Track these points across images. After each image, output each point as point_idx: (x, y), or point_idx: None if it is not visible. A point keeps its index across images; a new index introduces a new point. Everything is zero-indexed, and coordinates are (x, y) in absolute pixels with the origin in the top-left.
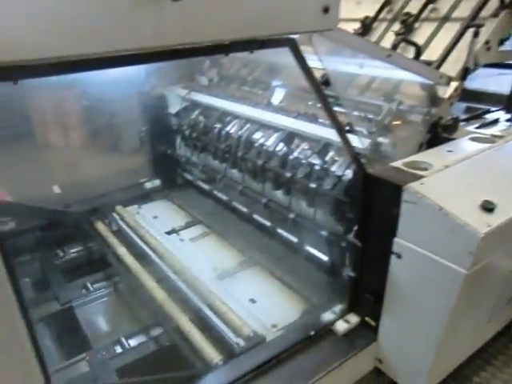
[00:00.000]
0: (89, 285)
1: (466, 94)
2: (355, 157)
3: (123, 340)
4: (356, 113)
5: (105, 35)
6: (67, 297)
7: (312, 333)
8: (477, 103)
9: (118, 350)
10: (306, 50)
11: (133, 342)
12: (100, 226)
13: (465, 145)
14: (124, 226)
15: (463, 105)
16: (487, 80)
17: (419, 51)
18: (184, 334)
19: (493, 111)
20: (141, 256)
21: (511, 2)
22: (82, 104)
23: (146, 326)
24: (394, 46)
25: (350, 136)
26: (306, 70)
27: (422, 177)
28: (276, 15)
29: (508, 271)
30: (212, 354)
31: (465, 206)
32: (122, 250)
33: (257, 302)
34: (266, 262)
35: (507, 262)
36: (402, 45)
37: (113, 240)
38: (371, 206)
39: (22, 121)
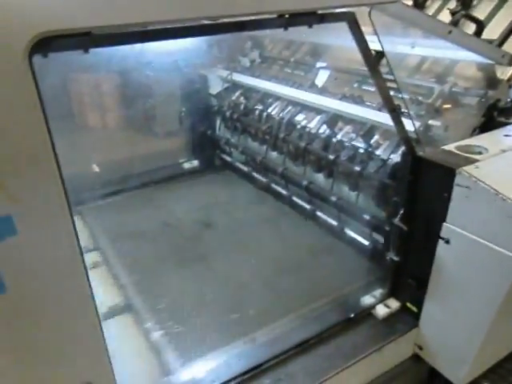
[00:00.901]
0: None
1: None
2: (406, 139)
3: None
4: (407, 95)
5: (176, 3)
6: None
7: (352, 315)
8: None
9: None
10: None
11: None
12: None
13: None
14: None
15: None
16: None
17: (482, 28)
18: None
19: None
20: None
21: None
22: (122, 84)
23: None
24: (455, 23)
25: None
26: (364, 47)
27: (476, 161)
28: None
29: None
30: None
31: None
32: None
33: None
34: None
35: None
36: (461, 22)
37: None
38: (420, 190)
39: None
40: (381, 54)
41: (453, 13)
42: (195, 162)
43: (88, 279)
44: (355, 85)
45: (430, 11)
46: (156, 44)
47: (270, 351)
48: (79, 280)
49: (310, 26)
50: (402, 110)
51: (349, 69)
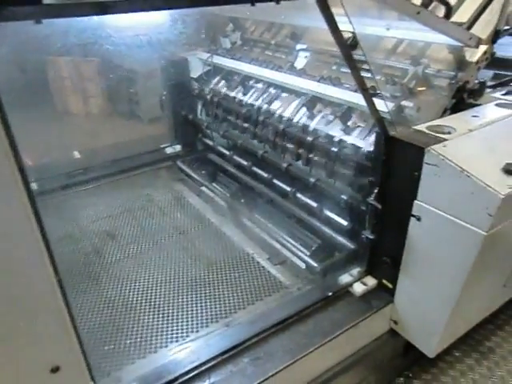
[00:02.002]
0: None
1: (493, 61)
2: (379, 119)
3: None
4: (381, 76)
5: None
6: None
7: (330, 293)
8: (504, 70)
9: None
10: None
11: None
12: None
13: (490, 110)
14: None
15: (491, 72)
16: None
17: (450, 10)
18: None
19: None
20: None
21: None
22: (102, 68)
23: None
24: (425, 4)
25: (374, 99)
26: (334, 28)
27: (444, 140)
28: None
29: None
30: None
31: (487, 168)
32: None
33: None
34: None
35: None
36: (434, 5)
37: None
38: (392, 169)
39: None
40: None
41: None
42: (178, 147)
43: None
44: (334, 67)
45: None
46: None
47: (250, 331)
48: (42, 263)
49: (278, 2)
50: (377, 91)
51: (328, 51)
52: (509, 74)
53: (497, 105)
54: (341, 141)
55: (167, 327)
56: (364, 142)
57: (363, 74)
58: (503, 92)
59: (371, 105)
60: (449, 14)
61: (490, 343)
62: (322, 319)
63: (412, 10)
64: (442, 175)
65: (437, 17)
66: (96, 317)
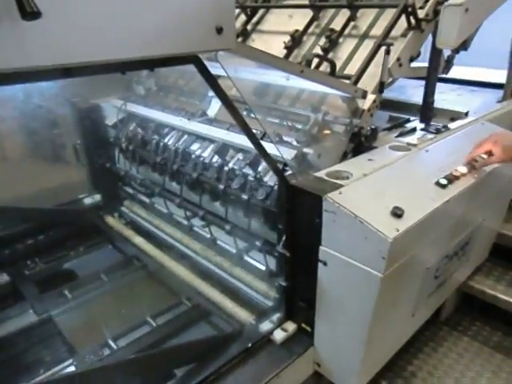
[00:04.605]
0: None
1: (390, 104)
2: (276, 168)
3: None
4: (288, 123)
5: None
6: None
7: (249, 345)
8: (400, 113)
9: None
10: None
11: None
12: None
13: (384, 153)
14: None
15: (387, 114)
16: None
17: (334, 67)
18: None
19: (412, 120)
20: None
21: (417, 24)
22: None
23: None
24: (308, 62)
25: (278, 147)
26: (214, 85)
27: (341, 186)
28: (172, 35)
29: (424, 269)
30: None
31: (377, 213)
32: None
33: None
34: None
35: (422, 261)
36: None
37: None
38: (296, 217)
39: None
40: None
41: (322, 48)
42: (97, 197)
43: None
44: (244, 113)
45: (307, 46)
46: None
47: None
48: None
49: (152, 70)
50: (281, 138)
51: (238, 98)
52: (403, 116)
53: (390, 147)
54: (250, 188)
55: None
56: (273, 189)
57: (272, 119)
58: (397, 134)
59: (264, 154)
60: (333, 69)
61: (412, 367)
62: (243, 373)
63: (296, 68)
64: (339, 221)
65: (321, 74)
66: None
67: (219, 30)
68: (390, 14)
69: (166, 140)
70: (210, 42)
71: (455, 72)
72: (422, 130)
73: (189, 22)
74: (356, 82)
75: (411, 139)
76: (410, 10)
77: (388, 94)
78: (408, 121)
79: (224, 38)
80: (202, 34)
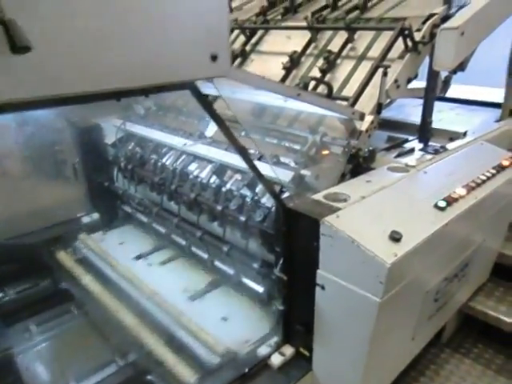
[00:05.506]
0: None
1: (389, 124)
2: (272, 191)
3: None
4: (286, 144)
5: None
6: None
7: (246, 370)
8: (398, 132)
9: None
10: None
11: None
12: (62, 256)
13: (382, 175)
14: (89, 254)
15: (385, 134)
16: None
17: (331, 89)
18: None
19: (410, 140)
20: (109, 283)
21: (414, 47)
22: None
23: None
24: (305, 85)
25: (275, 168)
26: (209, 110)
27: (338, 209)
28: (167, 64)
29: (424, 292)
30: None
31: (375, 237)
32: (88, 279)
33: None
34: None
35: (421, 285)
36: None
37: (77, 270)
38: (293, 240)
39: None
40: None
41: (320, 69)
42: (95, 216)
43: None
44: (243, 133)
45: (305, 67)
46: None
47: None
48: None
49: (147, 95)
50: (279, 160)
51: (235, 119)
52: (401, 136)
53: (388, 168)
54: (248, 210)
55: None
56: (270, 211)
57: (270, 140)
58: (395, 154)
59: (261, 178)
60: (330, 92)
61: None
62: None
63: (293, 92)
64: (337, 245)
65: (317, 97)
66: None
67: (214, 58)
68: (387, 36)
69: (164, 160)
70: (205, 69)
71: (454, 91)
72: (420, 150)
73: (184, 50)
74: (354, 104)
75: (410, 160)
76: (406, 32)
77: (386, 113)
78: (406, 141)
79: (219, 65)
80: (197, 62)
